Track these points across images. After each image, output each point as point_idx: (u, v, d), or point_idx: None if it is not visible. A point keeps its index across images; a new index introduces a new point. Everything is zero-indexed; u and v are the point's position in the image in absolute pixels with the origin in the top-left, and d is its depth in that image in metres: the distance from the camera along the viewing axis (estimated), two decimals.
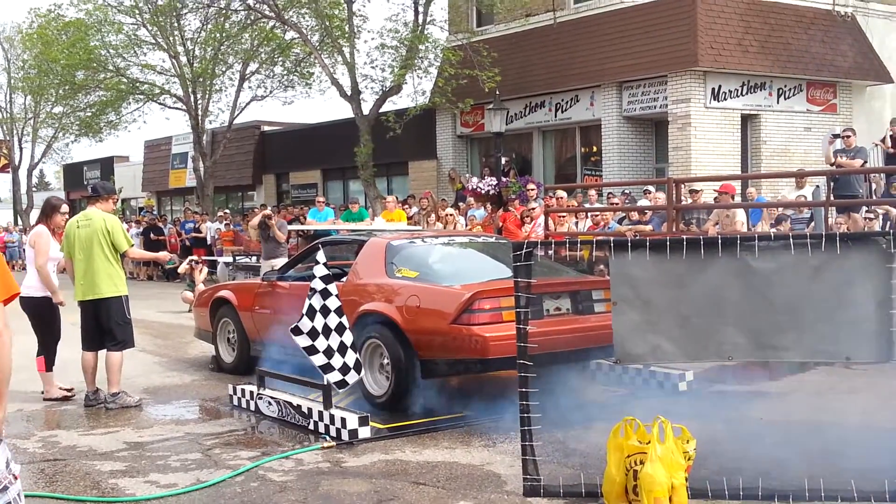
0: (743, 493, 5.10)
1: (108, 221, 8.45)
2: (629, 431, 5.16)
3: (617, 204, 15.98)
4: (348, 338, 6.96)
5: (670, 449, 4.99)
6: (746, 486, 5.11)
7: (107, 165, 43.60)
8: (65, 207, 8.96)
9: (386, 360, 7.65)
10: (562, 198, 16.20)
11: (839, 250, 5.03)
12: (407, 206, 19.91)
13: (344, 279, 8.42)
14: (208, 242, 25.72)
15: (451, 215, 17.03)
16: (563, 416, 6.72)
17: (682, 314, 5.26)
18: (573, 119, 22.15)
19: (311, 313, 6.89)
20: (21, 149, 42.91)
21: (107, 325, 8.41)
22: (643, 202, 15.67)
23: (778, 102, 20.16)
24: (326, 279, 6.94)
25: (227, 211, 28.64)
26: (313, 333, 6.88)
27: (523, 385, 5.38)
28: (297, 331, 6.91)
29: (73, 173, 46.21)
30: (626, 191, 17.78)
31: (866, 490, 4.96)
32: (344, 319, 6.96)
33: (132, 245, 8.93)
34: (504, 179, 19.11)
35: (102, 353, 8.48)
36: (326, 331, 6.89)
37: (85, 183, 41.84)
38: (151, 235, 26.89)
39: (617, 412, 5.37)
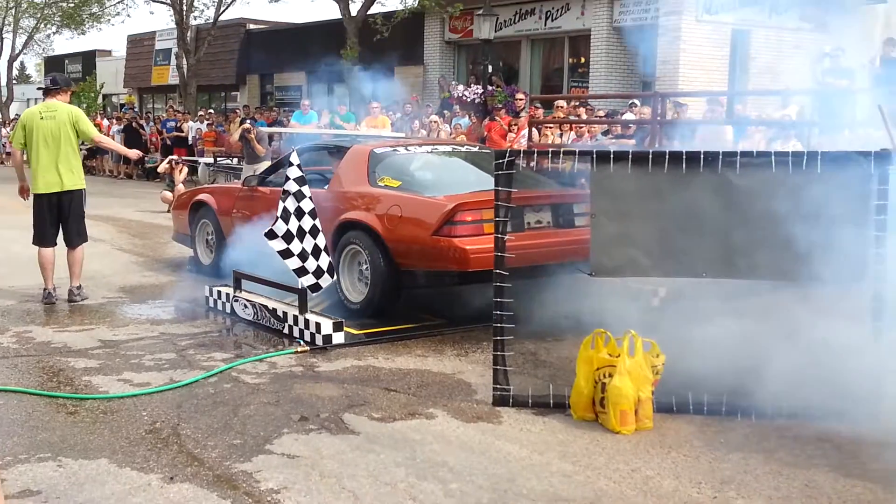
0: (707, 409, 5.18)
1: (73, 113, 8.46)
2: (600, 344, 5.20)
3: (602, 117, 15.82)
4: (322, 240, 6.94)
5: (639, 363, 5.04)
6: (711, 402, 5.19)
7: (89, 59, 42.88)
8: None
9: (365, 268, 7.64)
10: (561, 106, 15.94)
11: (819, 169, 5.00)
12: (391, 113, 19.65)
13: (326, 186, 8.35)
14: (190, 142, 25.43)
15: (434, 122, 16.85)
16: (536, 328, 6.77)
17: (659, 228, 5.25)
18: (563, 28, 21.83)
19: (286, 216, 6.85)
20: (2, 39, 42.02)
21: (71, 218, 8.42)
22: (629, 116, 15.54)
23: (770, 18, 19.87)
24: (300, 181, 6.88)
25: (211, 111, 28.29)
26: (288, 237, 6.85)
27: (498, 295, 5.39)
28: (271, 234, 6.87)
29: (54, 66, 45.27)
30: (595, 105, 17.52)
31: (828, 410, 5.03)
32: (317, 222, 6.93)
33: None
34: (490, 88, 18.91)
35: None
36: (301, 233, 6.86)
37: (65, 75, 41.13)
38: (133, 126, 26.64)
39: (589, 325, 5.40)
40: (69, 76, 32.25)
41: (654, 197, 5.23)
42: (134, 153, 10.35)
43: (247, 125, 15.49)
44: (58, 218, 8.44)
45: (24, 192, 8.58)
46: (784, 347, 5.09)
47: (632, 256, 5.30)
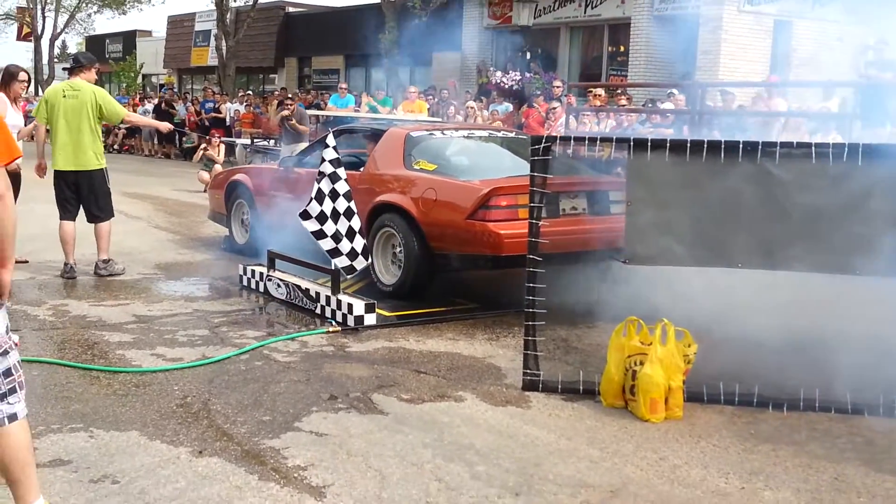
0: (738, 399, 5.14)
1: (98, 93, 8.53)
2: (632, 332, 5.18)
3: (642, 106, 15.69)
4: (356, 223, 6.96)
5: (671, 351, 5.01)
6: (742, 393, 5.14)
7: (129, 39, 43.20)
8: (23, 75, 8.87)
9: (399, 250, 7.65)
10: (598, 95, 15.83)
11: (860, 161, 4.93)
12: (430, 97, 19.62)
13: (361, 168, 8.37)
14: (227, 123, 25.56)
15: (471, 108, 16.82)
16: (568, 314, 6.74)
17: (695, 218, 5.21)
18: (603, 16, 21.63)
19: (320, 197, 6.88)
20: (44, 18, 42.48)
21: (92, 196, 8.52)
22: (667, 105, 15.41)
23: (812, 9, 19.60)
24: (335, 163, 6.90)
25: (249, 93, 28.40)
26: (321, 217, 6.88)
27: (531, 280, 5.38)
28: (305, 215, 6.91)
29: (95, 45, 45.74)
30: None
31: (860, 403, 4.99)
32: (352, 204, 6.95)
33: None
34: (528, 75, 18.83)
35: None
36: (335, 215, 6.89)
37: (106, 56, 41.52)
38: (163, 108, 26.75)
39: (622, 313, 5.37)
40: (109, 56, 32.28)
41: (691, 186, 5.18)
42: (164, 125, 10.46)
43: (285, 112, 15.48)
44: (77, 194, 8.52)
45: (40, 169, 8.68)
46: (818, 340, 5.04)
47: (667, 245, 5.25)
